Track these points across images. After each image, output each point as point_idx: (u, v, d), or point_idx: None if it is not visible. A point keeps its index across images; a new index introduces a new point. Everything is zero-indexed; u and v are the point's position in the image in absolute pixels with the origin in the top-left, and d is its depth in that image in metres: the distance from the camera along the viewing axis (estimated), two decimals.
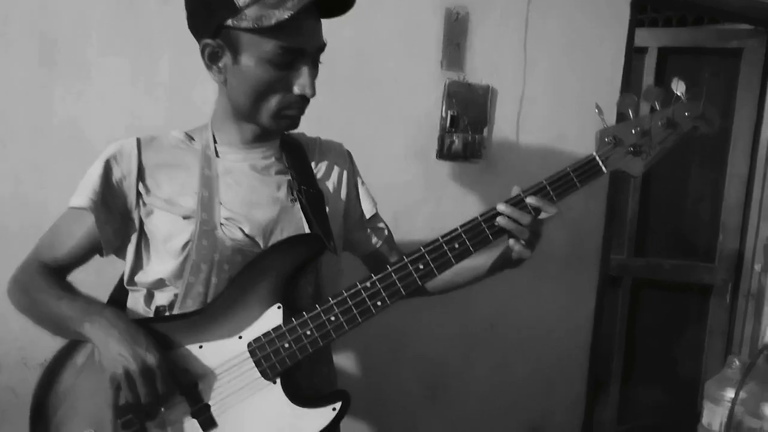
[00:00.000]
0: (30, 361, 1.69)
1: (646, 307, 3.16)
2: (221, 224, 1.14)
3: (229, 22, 1.07)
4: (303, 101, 1.15)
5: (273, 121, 1.16)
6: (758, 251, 2.95)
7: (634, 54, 2.46)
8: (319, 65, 1.17)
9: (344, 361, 2.04)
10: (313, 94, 1.13)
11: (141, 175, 1.18)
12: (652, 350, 3.19)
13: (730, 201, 3.02)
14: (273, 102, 1.13)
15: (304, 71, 1.11)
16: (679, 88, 1.12)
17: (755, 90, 2.92)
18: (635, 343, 3.18)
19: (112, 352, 1.03)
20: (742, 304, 2.99)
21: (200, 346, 1.11)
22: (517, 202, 1.14)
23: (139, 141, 1.21)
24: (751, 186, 2.96)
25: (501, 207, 1.13)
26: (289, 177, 1.24)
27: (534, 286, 2.33)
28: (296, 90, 1.12)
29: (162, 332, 1.11)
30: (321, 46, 1.15)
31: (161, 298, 1.19)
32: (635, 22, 2.40)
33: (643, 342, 3.18)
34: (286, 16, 1.03)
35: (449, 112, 2.09)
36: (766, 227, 2.91)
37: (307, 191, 1.23)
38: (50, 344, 1.15)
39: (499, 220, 1.13)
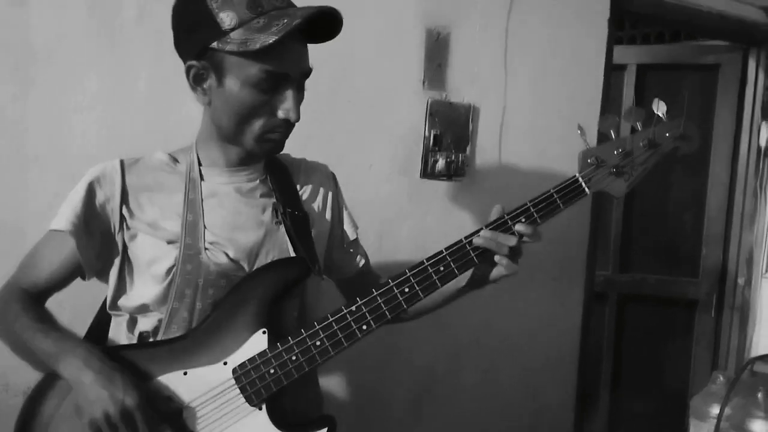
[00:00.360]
0: (11, 388, 1.65)
1: (633, 322, 3.17)
2: (206, 248, 1.14)
3: (214, 44, 1.07)
4: (287, 125, 1.14)
5: (257, 145, 1.15)
6: (741, 263, 2.98)
7: (613, 71, 2.48)
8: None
9: (331, 376, 2.03)
10: (297, 119, 1.13)
11: (124, 198, 1.17)
12: (640, 365, 3.20)
13: (712, 212, 3.05)
14: (257, 125, 1.13)
15: (289, 96, 1.11)
16: (659, 108, 1.13)
17: (733, 103, 2.96)
18: (622, 359, 3.19)
19: (89, 395, 1.02)
20: (728, 317, 3.01)
21: (184, 373, 1.10)
22: (502, 224, 1.14)
23: (122, 163, 1.20)
24: (732, 196, 3.00)
25: (484, 232, 1.13)
26: (274, 199, 1.24)
27: (519, 301, 2.33)
28: (280, 114, 1.12)
29: (145, 359, 1.10)
30: (306, 72, 1.15)
31: (145, 323, 1.17)
32: (613, 39, 2.43)
33: (631, 357, 3.19)
34: (271, 41, 1.03)
35: (432, 131, 2.10)
36: (748, 238, 2.94)
37: (292, 214, 1.23)
38: (32, 371, 1.14)
39: (477, 240, 1.13)
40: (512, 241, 1.12)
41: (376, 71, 2.02)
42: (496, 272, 1.17)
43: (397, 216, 2.09)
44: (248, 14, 1.06)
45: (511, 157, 2.26)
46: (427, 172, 2.11)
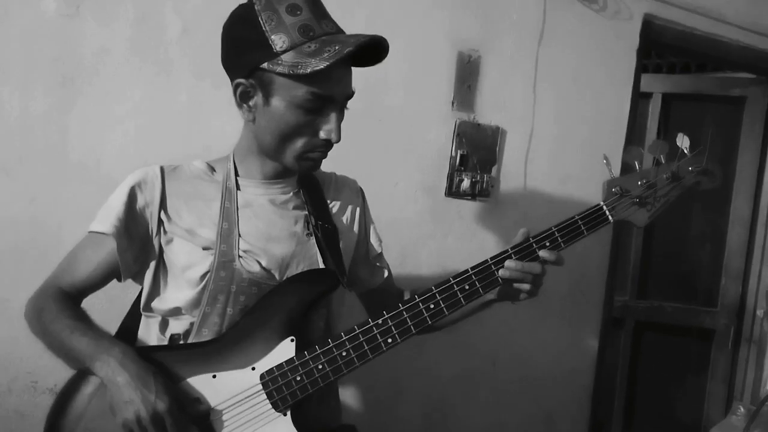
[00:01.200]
0: (39, 386, 1.70)
1: (649, 349, 3.16)
2: (239, 256, 1.17)
3: (265, 65, 1.10)
4: (327, 146, 1.19)
5: (296, 162, 1.19)
6: (761, 296, 2.96)
7: (639, 98, 2.51)
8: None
9: (346, 395, 2.05)
10: (339, 140, 1.16)
11: (163, 204, 1.21)
12: (654, 393, 3.18)
13: (732, 245, 3.05)
14: (299, 144, 1.17)
15: (332, 117, 1.15)
16: (683, 143, 1.16)
17: (758, 137, 2.96)
18: (637, 386, 3.17)
19: (123, 396, 1.05)
20: (744, 350, 2.99)
21: (213, 376, 1.13)
22: (527, 248, 1.18)
23: (162, 169, 1.24)
24: (753, 231, 2.99)
25: (510, 264, 1.17)
26: (306, 212, 1.28)
27: (538, 323, 2.35)
28: (322, 135, 1.16)
29: (175, 361, 1.13)
30: (350, 95, 1.19)
31: (176, 326, 1.21)
32: (641, 69, 2.46)
33: (645, 384, 3.17)
34: (322, 67, 1.06)
35: (459, 151, 2.14)
36: None
37: (322, 226, 1.27)
38: (60, 369, 1.17)
39: (503, 273, 1.17)
40: (537, 269, 1.16)
41: (407, 91, 2.07)
42: (519, 297, 1.21)
43: (420, 233, 2.13)
44: (300, 38, 1.10)
45: (536, 180, 2.29)
46: (452, 190, 2.15)
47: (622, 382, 3.13)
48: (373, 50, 1.15)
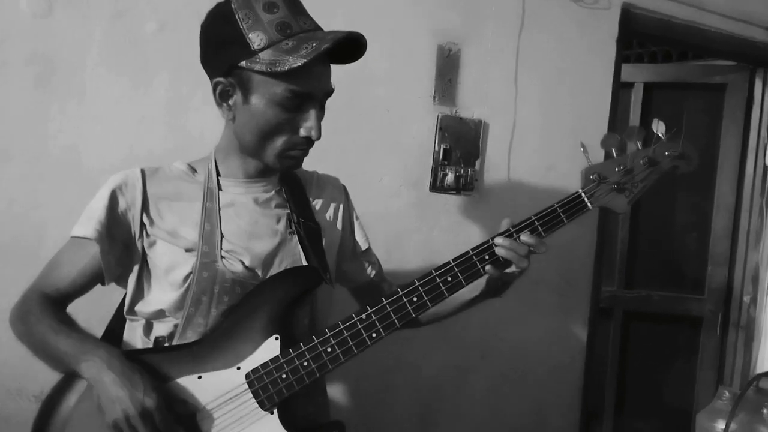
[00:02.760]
0: (25, 392, 1.69)
1: (638, 338, 3.18)
2: (222, 257, 1.17)
3: (243, 63, 1.11)
4: (308, 143, 1.19)
5: (277, 160, 1.20)
6: (747, 282, 2.99)
7: (620, 88, 2.52)
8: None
9: (337, 389, 2.05)
10: (319, 137, 1.17)
11: (145, 206, 1.21)
12: (645, 382, 3.20)
13: (717, 231, 3.06)
14: (279, 142, 1.17)
15: (312, 114, 1.15)
16: (659, 128, 1.17)
17: (739, 123, 2.98)
18: (627, 375, 3.19)
19: (110, 394, 1.05)
20: (732, 336, 3.01)
21: (199, 377, 1.13)
22: (508, 237, 1.18)
23: (143, 172, 1.24)
24: (738, 216, 3.01)
25: (499, 240, 1.17)
26: (288, 210, 1.28)
27: (526, 315, 2.35)
28: (303, 132, 1.16)
29: (161, 363, 1.13)
30: (329, 92, 1.19)
31: (160, 328, 1.21)
32: (621, 58, 2.47)
33: (635, 373, 3.19)
34: (299, 64, 1.07)
35: (442, 145, 2.14)
36: (754, 257, 2.95)
37: (305, 224, 1.27)
38: (46, 375, 1.16)
39: (498, 250, 1.17)
40: (523, 249, 1.16)
41: (388, 86, 2.07)
42: (508, 273, 1.21)
43: (406, 228, 2.13)
44: (278, 36, 1.10)
45: (520, 172, 2.29)
46: (437, 185, 2.15)
47: (613, 372, 3.15)
48: (351, 46, 1.16)
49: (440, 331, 2.19)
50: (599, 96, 2.43)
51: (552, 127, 2.34)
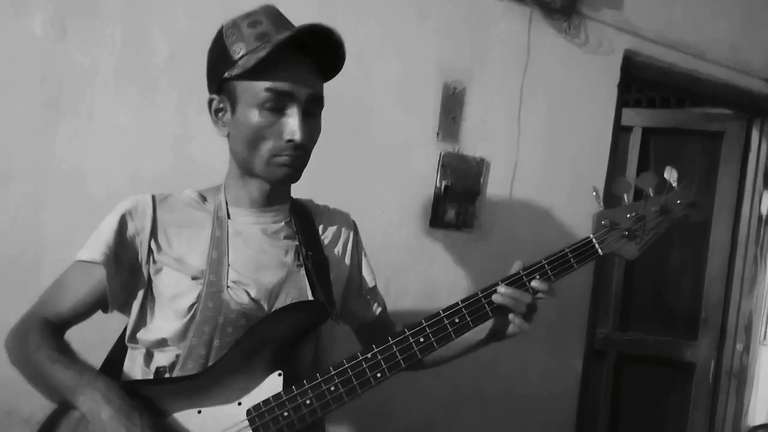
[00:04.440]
0: (14, 416, 1.64)
1: (631, 381, 3.17)
2: (228, 287, 1.15)
3: (226, 74, 1.14)
4: (294, 148, 1.16)
5: (267, 169, 1.18)
6: (740, 329, 2.99)
7: (620, 132, 2.55)
8: (319, 123, 1.21)
9: (332, 419, 2.02)
10: (303, 139, 1.14)
11: (154, 232, 1.19)
12: (637, 424, 3.18)
13: (712, 276, 3.08)
14: (264, 149, 1.16)
15: (293, 116, 1.14)
16: (672, 176, 1.17)
17: (736, 171, 3.03)
18: (619, 418, 3.17)
19: (107, 430, 1.02)
20: (725, 383, 3.01)
21: (199, 411, 1.10)
22: (517, 280, 1.17)
23: (154, 198, 1.23)
24: (733, 262, 3.03)
25: (502, 289, 1.17)
26: (297, 242, 1.26)
27: (521, 354, 2.34)
28: (285, 135, 1.14)
29: (160, 395, 1.11)
30: (313, 95, 1.17)
31: (162, 358, 1.18)
32: (622, 102, 2.50)
33: (627, 417, 3.18)
34: (262, 54, 1.09)
35: (444, 182, 2.15)
36: (747, 304, 2.96)
37: (313, 257, 1.25)
38: (36, 400, 1.13)
39: (496, 298, 1.17)
40: (528, 298, 1.16)
41: (393, 121, 2.08)
42: (511, 329, 1.21)
43: (405, 262, 2.12)
44: (255, 44, 1.13)
45: (519, 211, 2.30)
46: (437, 221, 2.15)
47: (605, 413, 3.13)
48: (328, 47, 1.16)
49: (434, 367, 2.18)
50: (599, 138, 2.46)
51: (553, 168, 2.36)
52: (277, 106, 1.13)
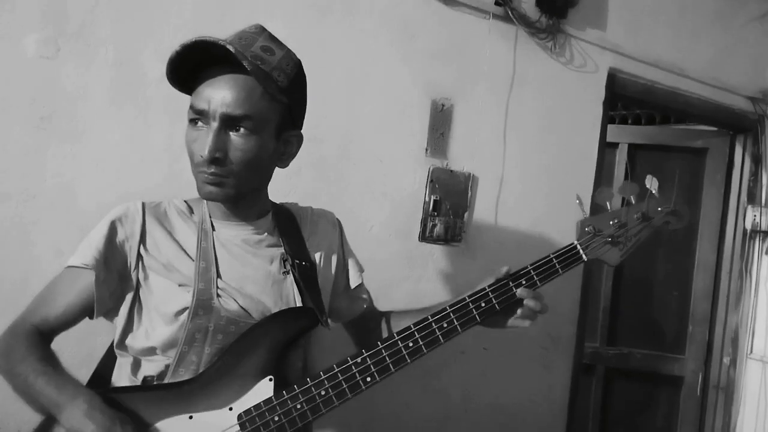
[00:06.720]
0: (3, 429, 1.64)
1: (619, 395, 3.19)
2: (218, 295, 1.17)
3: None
4: (207, 166, 1.15)
5: (197, 185, 1.19)
6: (727, 343, 3.02)
7: (605, 148, 2.59)
8: (249, 141, 1.16)
9: None
10: (205, 153, 1.12)
11: (143, 238, 1.20)
12: None
13: (698, 291, 3.12)
14: (192, 165, 1.18)
15: (206, 132, 1.14)
16: (652, 185, 1.21)
17: (720, 186, 3.07)
18: (608, 430, 3.18)
19: None
20: (713, 396, 3.03)
21: (190, 417, 1.11)
22: (503, 285, 1.21)
23: (144, 205, 1.24)
24: (718, 277, 3.07)
25: (525, 292, 1.24)
26: (282, 250, 1.28)
27: (509, 369, 2.35)
28: (198, 151, 1.15)
29: (152, 401, 1.11)
30: (225, 114, 1.13)
31: (149, 368, 1.18)
32: (607, 119, 2.55)
33: (616, 430, 3.18)
34: (167, 73, 1.14)
35: (432, 196, 2.18)
36: (733, 318, 2.99)
37: (300, 264, 1.27)
38: (24, 413, 1.13)
39: (521, 292, 1.24)
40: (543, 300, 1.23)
41: (382, 137, 2.11)
42: (512, 321, 1.26)
43: (394, 276, 2.14)
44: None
45: (507, 225, 2.33)
46: (426, 235, 2.18)
47: (594, 427, 3.14)
48: (231, 59, 1.13)
49: (422, 381, 2.19)
50: (585, 154, 2.50)
51: (540, 182, 2.39)
52: (199, 124, 1.16)
